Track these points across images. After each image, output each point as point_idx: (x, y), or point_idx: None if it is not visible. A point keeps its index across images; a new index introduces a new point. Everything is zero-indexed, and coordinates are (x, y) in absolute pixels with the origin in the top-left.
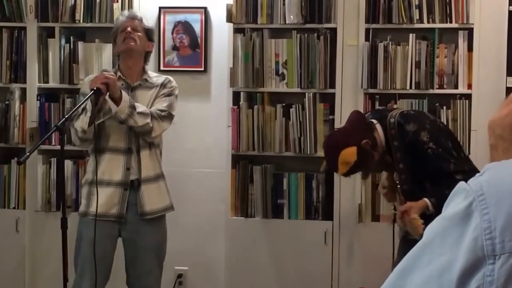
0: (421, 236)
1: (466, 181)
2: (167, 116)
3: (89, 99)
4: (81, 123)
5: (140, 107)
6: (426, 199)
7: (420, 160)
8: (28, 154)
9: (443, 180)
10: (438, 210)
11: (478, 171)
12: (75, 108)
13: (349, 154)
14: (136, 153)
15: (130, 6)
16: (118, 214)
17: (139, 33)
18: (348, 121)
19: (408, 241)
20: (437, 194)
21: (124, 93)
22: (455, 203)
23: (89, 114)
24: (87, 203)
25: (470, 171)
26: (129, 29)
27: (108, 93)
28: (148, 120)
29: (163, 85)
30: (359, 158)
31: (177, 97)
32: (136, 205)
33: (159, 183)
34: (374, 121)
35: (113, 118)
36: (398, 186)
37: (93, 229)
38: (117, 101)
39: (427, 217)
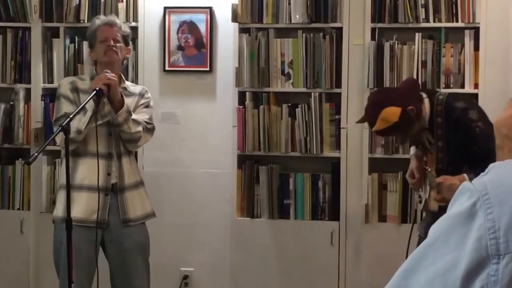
0: None
1: None
2: (151, 129)
3: (92, 99)
4: (78, 123)
5: (134, 115)
6: (464, 174)
7: (464, 139)
8: (36, 154)
9: (488, 161)
10: None
11: None
12: (79, 108)
13: (392, 113)
14: (117, 159)
15: (135, 6)
16: (100, 220)
17: (120, 44)
18: (402, 83)
19: None
20: (479, 172)
21: (124, 97)
22: (459, 202)
23: (89, 114)
24: (65, 209)
25: None
26: (111, 42)
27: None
28: (140, 128)
29: (141, 95)
30: (400, 122)
31: (153, 107)
32: (119, 210)
33: (140, 190)
34: (424, 94)
35: (108, 121)
36: (428, 168)
37: (75, 233)
38: (115, 103)
39: None
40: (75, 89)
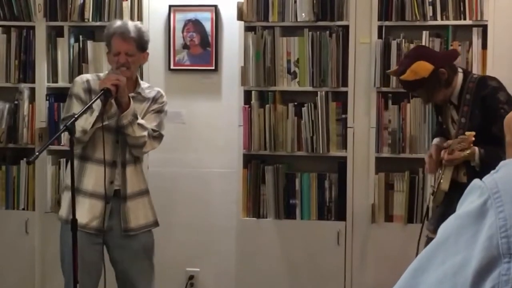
0: (470, 144)
1: None
2: (158, 136)
3: (99, 99)
4: (84, 122)
5: (140, 119)
6: (476, 147)
7: (487, 118)
8: (37, 154)
9: (503, 144)
10: (483, 164)
11: None
12: (85, 107)
13: (424, 68)
14: (122, 167)
15: (139, 4)
16: (98, 227)
17: (134, 57)
18: (446, 51)
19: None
20: (490, 150)
21: (131, 99)
22: (469, 201)
23: (95, 114)
24: (69, 211)
25: None
26: (123, 58)
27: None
28: (145, 133)
29: (154, 100)
30: (428, 79)
31: (167, 113)
32: (120, 217)
33: (144, 199)
34: (460, 69)
35: (113, 123)
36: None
37: (77, 239)
38: (122, 105)
39: (469, 172)
40: (89, 90)
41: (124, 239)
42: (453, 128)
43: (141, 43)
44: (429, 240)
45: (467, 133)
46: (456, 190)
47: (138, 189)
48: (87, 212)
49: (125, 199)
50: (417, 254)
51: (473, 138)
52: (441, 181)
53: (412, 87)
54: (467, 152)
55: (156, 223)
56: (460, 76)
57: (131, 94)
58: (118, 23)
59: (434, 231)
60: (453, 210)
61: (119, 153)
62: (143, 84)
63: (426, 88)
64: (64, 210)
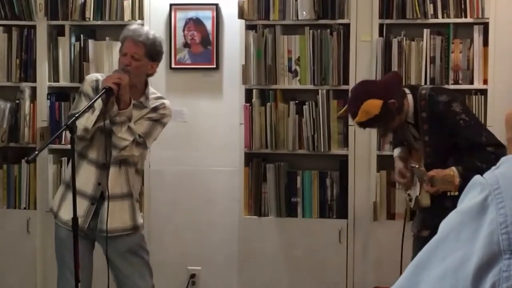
0: (456, 188)
1: (496, 154)
2: (141, 143)
3: (101, 98)
4: (86, 121)
5: (132, 125)
6: (452, 167)
7: (449, 132)
8: (37, 152)
9: (475, 152)
10: (466, 180)
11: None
12: (86, 106)
13: (374, 105)
14: (108, 168)
15: (140, 3)
16: (80, 227)
17: (139, 61)
18: (385, 77)
19: (421, 237)
20: (466, 164)
21: (131, 100)
22: (470, 196)
23: (97, 113)
24: (59, 205)
25: (501, 145)
26: (126, 61)
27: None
28: (130, 138)
29: (154, 109)
30: (381, 114)
31: (165, 125)
32: (97, 218)
33: (124, 202)
34: (407, 90)
35: (111, 131)
36: (415, 165)
37: (64, 232)
38: (121, 104)
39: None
40: (96, 89)
41: (103, 241)
42: (417, 143)
43: (150, 50)
44: (415, 238)
45: (447, 173)
46: None
47: (120, 191)
48: (71, 210)
49: (104, 200)
50: (401, 253)
51: (458, 183)
52: (422, 197)
53: (367, 125)
54: (452, 193)
55: (133, 228)
56: (409, 97)
57: (134, 102)
58: (134, 26)
59: (419, 232)
60: (432, 211)
61: (109, 155)
62: (152, 94)
63: (381, 123)
64: (55, 203)
